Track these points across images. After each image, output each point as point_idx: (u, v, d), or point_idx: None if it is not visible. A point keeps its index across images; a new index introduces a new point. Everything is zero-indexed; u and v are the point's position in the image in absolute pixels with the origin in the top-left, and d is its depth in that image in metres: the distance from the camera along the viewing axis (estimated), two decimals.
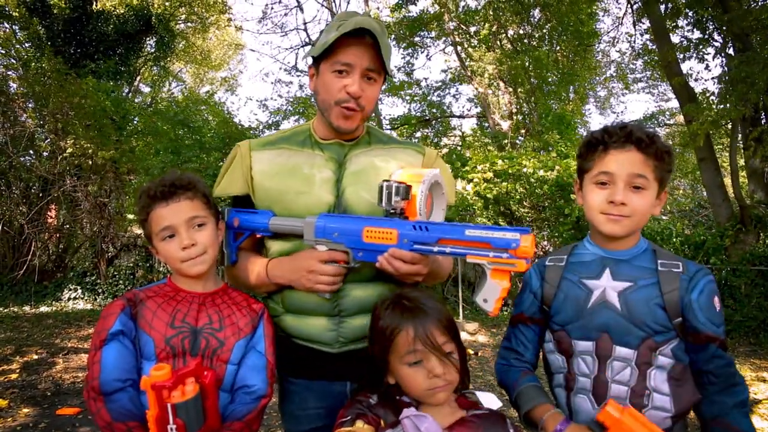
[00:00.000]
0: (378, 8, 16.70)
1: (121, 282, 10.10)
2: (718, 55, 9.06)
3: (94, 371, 1.18)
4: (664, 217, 11.61)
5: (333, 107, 1.39)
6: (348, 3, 22.75)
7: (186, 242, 1.29)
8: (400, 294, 1.22)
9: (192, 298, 1.34)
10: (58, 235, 10.64)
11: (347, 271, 1.36)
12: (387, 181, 1.27)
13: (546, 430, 1.23)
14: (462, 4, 14.46)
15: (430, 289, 1.43)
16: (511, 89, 14.28)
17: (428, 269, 1.29)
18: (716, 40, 9.21)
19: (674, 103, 16.54)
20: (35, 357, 5.60)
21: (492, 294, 1.18)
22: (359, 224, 1.30)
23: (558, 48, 14.27)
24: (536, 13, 13.55)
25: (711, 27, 8.94)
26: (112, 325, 1.22)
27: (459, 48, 14.98)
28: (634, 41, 13.01)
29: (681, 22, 9.30)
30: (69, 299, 9.69)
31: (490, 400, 1.21)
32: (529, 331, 1.39)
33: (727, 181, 9.88)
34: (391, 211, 1.28)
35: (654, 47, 10.83)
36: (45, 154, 9.90)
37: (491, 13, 13.23)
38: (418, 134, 16.77)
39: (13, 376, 4.86)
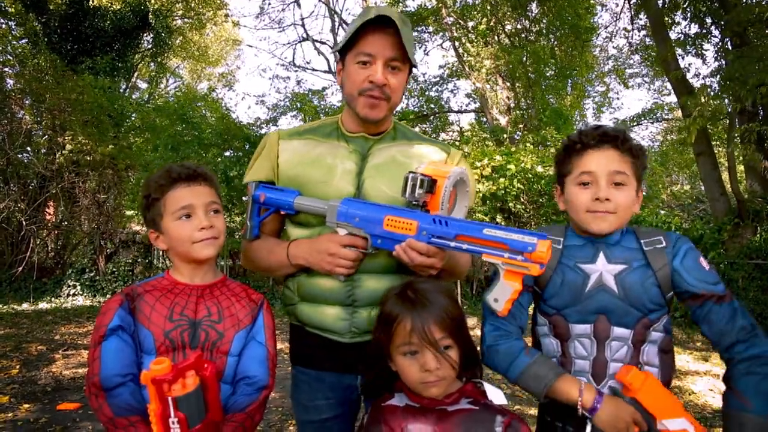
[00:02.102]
0: (375, 3, 16.66)
1: (120, 278, 10.10)
2: (716, 50, 9.05)
3: (95, 367, 1.18)
4: (661, 212, 11.63)
5: (357, 97, 1.41)
6: None
7: (205, 223, 1.31)
8: (409, 283, 1.23)
9: (190, 290, 1.34)
10: (56, 232, 10.65)
11: (364, 256, 1.38)
12: (413, 172, 1.28)
13: (584, 406, 1.21)
14: None
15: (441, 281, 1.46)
16: (508, 84, 14.26)
17: (443, 264, 1.31)
18: (714, 35, 9.20)
19: (672, 98, 16.52)
20: (35, 353, 5.62)
21: (503, 294, 1.19)
22: (381, 212, 1.31)
23: (555, 42, 14.25)
24: (533, 7, 13.51)
25: (709, 21, 8.93)
26: (110, 321, 1.22)
27: (456, 43, 14.95)
28: (632, 37, 12.99)
29: (678, 18, 9.29)
30: (68, 296, 9.70)
31: (497, 395, 1.21)
32: (522, 296, 1.38)
33: (725, 175, 9.90)
34: (414, 202, 1.29)
35: (652, 42, 10.82)
36: (43, 150, 9.87)
37: (489, 7, 13.20)
38: (416, 129, 16.69)
39: (14, 372, 4.87)
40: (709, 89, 7.86)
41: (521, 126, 13.55)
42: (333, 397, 1.48)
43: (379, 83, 1.39)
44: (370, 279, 1.42)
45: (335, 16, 17.63)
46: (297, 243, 1.45)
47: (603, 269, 1.29)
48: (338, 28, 17.63)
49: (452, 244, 1.22)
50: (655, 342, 1.27)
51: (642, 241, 1.31)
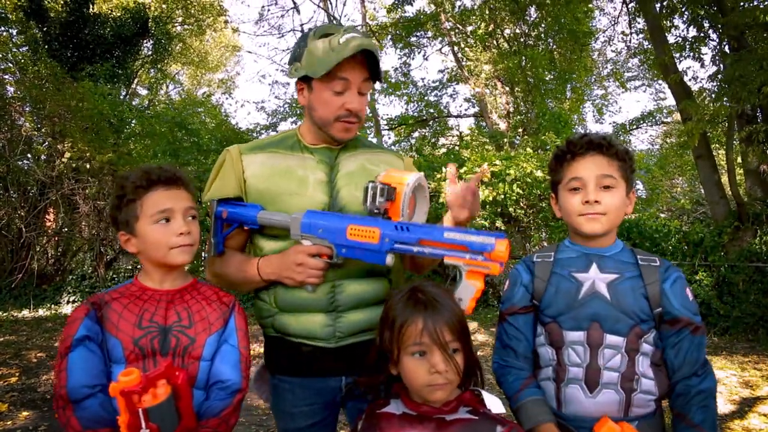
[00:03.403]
0: (374, 9, 16.73)
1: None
2: (714, 54, 9.04)
3: (61, 379, 1.15)
4: (662, 215, 11.61)
5: (333, 123, 1.45)
6: (344, 4, 22.76)
7: (183, 228, 1.29)
8: (416, 286, 1.23)
9: (160, 296, 1.31)
10: (56, 239, 10.66)
11: (330, 266, 1.40)
12: (372, 182, 1.33)
13: None
14: (458, 3, 14.46)
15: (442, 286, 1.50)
16: (508, 89, 14.28)
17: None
18: (712, 39, 9.19)
19: (670, 101, 16.48)
20: (34, 360, 5.62)
21: (466, 294, 1.24)
22: (344, 222, 1.34)
23: (554, 47, 14.26)
24: (532, 12, 13.54)
25: (707, 25, 8.92)
26: (76, 332, 1.19)
27: (455, 48, 14.98)
28: (630, 41, 12.99)
29: (676, 21, 9.29)
30: (68, 303, 9.70)
31: (495, 404, 1.20)
32: (520, 319, 1.41)
33: (725, 178, 9.87)
34: (375, 210, 1.32)
35: (650, 46, 10.82)
36: (43, 157, 9.90)
37: (487, 12, 13.23)
38: (416, 134, 16.74)
39: (13, 379, 4.87)
40: (707, 91, 7.84)
41: (521, 130, 13.56)
42: (318, 401, 1.48)
43: (356, 111, 1.44)
44: (352, 283, 1.44)
45: (334, 21, 17.68)
46: (267, 259, 1.46)
47: (596, 277, 1.34)
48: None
49: (415, 249, 1.27)
50: (647, 354, 1.31)
51: (638, 257, 1.37)
